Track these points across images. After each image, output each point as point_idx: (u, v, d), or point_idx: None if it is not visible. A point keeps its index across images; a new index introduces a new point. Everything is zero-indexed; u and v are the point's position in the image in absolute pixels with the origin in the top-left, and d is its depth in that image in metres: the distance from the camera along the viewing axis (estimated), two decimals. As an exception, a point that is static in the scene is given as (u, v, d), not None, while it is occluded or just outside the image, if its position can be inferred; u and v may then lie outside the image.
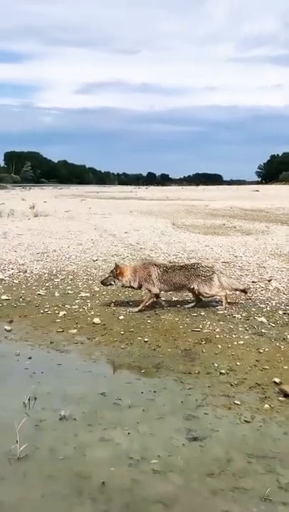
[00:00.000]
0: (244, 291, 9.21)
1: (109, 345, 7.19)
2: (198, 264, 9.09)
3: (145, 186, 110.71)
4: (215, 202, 39.25)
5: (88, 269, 11.80)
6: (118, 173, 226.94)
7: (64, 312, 8.58)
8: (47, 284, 10.44)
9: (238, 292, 9.28)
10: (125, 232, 18.20)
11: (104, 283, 9.25)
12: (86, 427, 4.85)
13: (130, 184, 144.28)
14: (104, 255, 13.46)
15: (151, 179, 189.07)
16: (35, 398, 5.40)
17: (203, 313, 8.57)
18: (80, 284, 10.53)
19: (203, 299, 8.98)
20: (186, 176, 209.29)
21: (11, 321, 8.21)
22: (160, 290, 8.91)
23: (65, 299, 9.34)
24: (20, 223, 21.21)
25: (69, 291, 9.89)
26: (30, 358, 6.68)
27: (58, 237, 16.91)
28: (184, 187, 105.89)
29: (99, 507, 3.73)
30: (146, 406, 5.31)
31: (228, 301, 8.93)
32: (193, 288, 8.82)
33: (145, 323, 8.09)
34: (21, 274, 11.33)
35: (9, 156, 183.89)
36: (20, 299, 9.40)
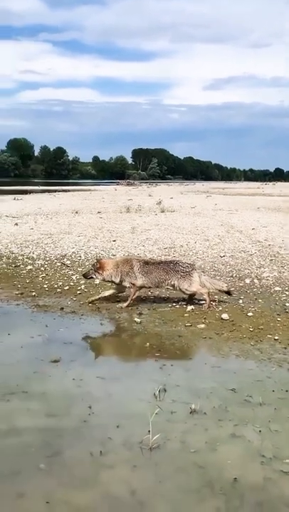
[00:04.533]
0: (228, 292, 9.00)
1: (238, 341, 7.11)
2: (177, 260, 9.30)
3: (272, 182, 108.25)
4: None
5: (215, 265, 11.75)
6: (244, 169, 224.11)
7: (192, 307, 8.61)
8: (175, 279, 10.51)
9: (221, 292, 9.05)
10: (252, 229, 17.90)
11: (85, 276, 9.37)
12: (217, 422, 4.83)
13: (257, 180, 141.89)
14: (232, 251, 13.33)
15: (278, 175, 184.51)
16: (166, 390, 5.46)
17: None
18: (207, 279, 10.50)
19: (184, 295, 8.96)
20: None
21: (140, 314, 8.37)
22: (143, 284, 8.90)
23: (193, 294, 9.35)
24: (148, 219, 21.58)
25: (197, 286, 9.89)
26: (159, 350, 6.78)
27: (185, 232, 17.00)
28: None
29: (231, 503, 3.69)
30: (278, 405, 5.18)
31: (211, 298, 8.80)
32: (174, 284, 8.83)
33: (275, 321, 7.90)
34: (150, 268, 11.51)
35: (136, 153, 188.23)
36: (149, 292, 9.56)
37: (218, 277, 10.60)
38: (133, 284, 8.89)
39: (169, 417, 4.94)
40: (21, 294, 9.52)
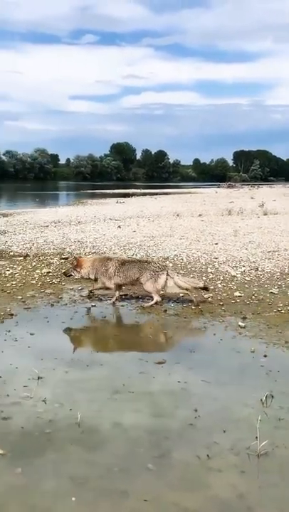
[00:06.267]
0: (205, 288, 9.34)
1: None
2: (152, 261, 9.75)
3: None
4: None
5: None
6: None
7: (298, 312, 8.39)
8: (279, 283, 10.31)
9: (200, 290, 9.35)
10: None
11: (65, 274, 9.85)
12: None
13: None
14: None
15: None
16: (272, 396, 5.36)
17: None
18: (314, 284, 10.21)
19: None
20: None
21: (244, 318, 8.27)
22: (117, 283, 9.28)
23: (298, 299, 9.12)
24: (250, 221, 21.29)
25: (303, 291, 9.64)
26: (265, 355, 6.66)
27: (289, 235, 16.60)
28: None
29: None
30: None
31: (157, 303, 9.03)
32: (142, 281, 9.12)
33: None
34: (253, 271, 11.36)
35: (238, 155, 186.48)
36: (253, 297, 9.42)
37: None
38: (104, 283, 9.34)
39: (277, 423, 4.85)
40: (125, 295, 9.70)
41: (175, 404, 5.32)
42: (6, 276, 10.88)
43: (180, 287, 9.10)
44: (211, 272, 11.32)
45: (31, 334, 7.49)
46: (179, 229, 18.72)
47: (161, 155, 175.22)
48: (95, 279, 9.47)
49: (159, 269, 9.14)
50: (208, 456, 4.28)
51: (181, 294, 9.38)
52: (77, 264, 9.53)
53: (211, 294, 9.50)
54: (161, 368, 6.31)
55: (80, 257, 10.53)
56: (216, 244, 14.88)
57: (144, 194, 55.37)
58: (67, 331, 7.86)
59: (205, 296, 9.39)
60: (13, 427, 4.77)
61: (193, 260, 12.59)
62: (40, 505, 3.72)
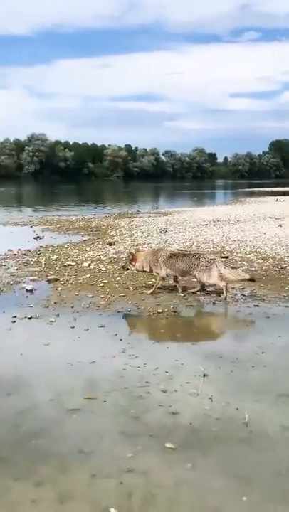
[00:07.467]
0: (252, 279, 9.64)
1: None
2: (200, 254, 9.95)
3: None
4: None
5: None
6: None
7: None
8: None
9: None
10: None
11: (123, 267, 10.49)
12: None
13: None
14: None
15: None
16: None
17: None
18: None
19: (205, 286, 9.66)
20: None
21: None
22: (167, 274, 9.69)
23: None
24: None
25: None
26: None
27: None
28: None
29: None
30: None
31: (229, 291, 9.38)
32: (195, 275, 9.52)
33: None
34: None
35: None
36: None
37: None
38: (157, 274, 9.76)
39: None
40: (289, 296, 9.45)
41: None
42: (168, 274, 11.13)
43: (227, 279, 9.36)
44: None
45: (194, 331, 7.57)
46: None
47: None
48: (150, 271, 9.93)
49: (207, 262, 9.41)
50: None
51: (211, 288, 9.73)
52: (133, 258, 10.09)
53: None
54: None
55: (136, 251, 11.19)
56: None
57: (305, 192, 53.62)
58: (230, 329, 7.84)
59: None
60: (182, 422, 4.85)
61: None
62: (211, 501, 3.74)
